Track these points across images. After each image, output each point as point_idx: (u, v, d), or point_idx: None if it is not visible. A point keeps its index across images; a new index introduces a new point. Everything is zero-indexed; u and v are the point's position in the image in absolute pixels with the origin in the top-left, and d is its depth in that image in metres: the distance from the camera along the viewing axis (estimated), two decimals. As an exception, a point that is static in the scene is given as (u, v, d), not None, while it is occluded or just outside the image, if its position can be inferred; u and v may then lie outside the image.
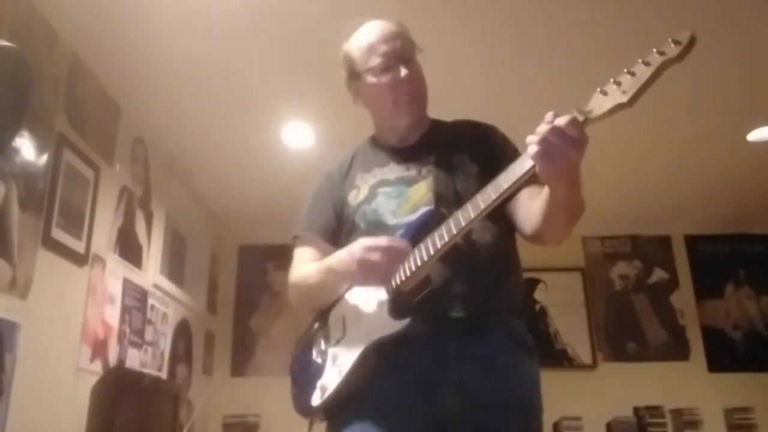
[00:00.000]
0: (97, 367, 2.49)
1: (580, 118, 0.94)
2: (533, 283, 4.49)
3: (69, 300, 2.33)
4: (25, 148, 2.06)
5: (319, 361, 1.26)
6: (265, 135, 3.18)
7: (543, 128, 0.95)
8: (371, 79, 1.34)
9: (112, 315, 2.67)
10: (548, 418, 4.18)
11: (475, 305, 1.17)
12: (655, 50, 0.89)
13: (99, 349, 2.52)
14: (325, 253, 1.31)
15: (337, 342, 1.23)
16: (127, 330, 2.81)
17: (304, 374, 1.28)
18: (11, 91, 2.01)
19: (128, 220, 2.88)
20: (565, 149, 0.94)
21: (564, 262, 4.48)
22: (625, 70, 0.91)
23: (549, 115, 0.96)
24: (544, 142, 0.94)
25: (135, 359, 2.88)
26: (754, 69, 2.70)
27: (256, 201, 4.00)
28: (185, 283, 3.94)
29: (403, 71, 1.31)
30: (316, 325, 1.33)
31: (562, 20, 2.39)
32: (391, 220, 1.25)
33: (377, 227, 1.26)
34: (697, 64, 2.62)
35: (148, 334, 3.06)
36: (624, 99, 0.90)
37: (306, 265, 1.35)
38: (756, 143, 3.33)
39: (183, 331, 3.63)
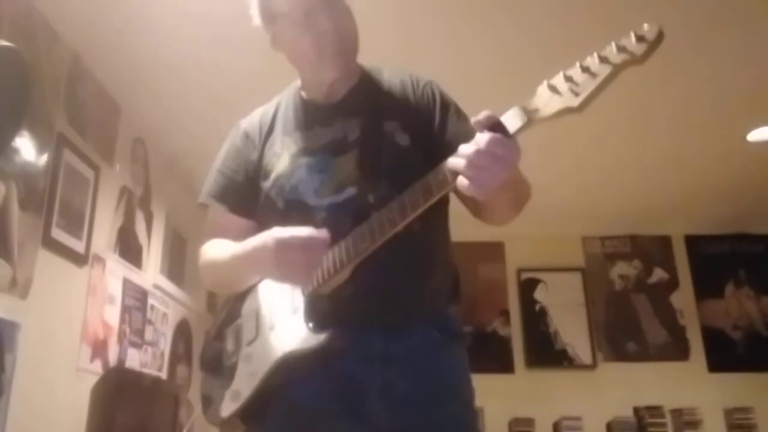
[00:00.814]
0: (97, 367, 2.49)
1: (523, 119, 0.85)
2: (533, 283, 4.49)
3: (69, 300, 2.33)
4: (25, 148, 2.06)
5: (229, 362, 1.14)
6: (265, 135, 3.18)
7: (467, 150, 0.87)
8: (291, 27, 1.16)
9: (112, 315, 2.67)
10: (548, 418, 4.19)
11: (400, 303, 1.08)
12: (614, 44, 0.77)
13: (99, 349, 2.52)
14: (236, 230, 1.18)
15: (250, 343, 1.12)
16: (127, 330, 2.81)
17: (215, 376, 1.16)
18: (11, 91, 2.01)
19: (128, 220, 2.88)
20: (494, 170, 0.86)
21: (564, 262, 4.49)
22: (579, 64, 0.79)
23: (482, 115, 0.87)
24: (470, 168, 0.86)
25: (135, 359, 2.88)
26: (753, 69, 2.70)
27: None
28: (185, 283, 3.93)
29: (327, 20, 1.13)
30: (228, 312, 1.21)
31: None
32: (312, 200, 1.12)
33: (296, 207, 1.13)
34: (697, 64, 2.62)
35: (148, 334, 3.06)
36: (574, 103, 0.79)
37: (218, 245, 1.20)
38: (756, 143, 3.33)
39: (183, 331, 3.63)
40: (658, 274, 4.54)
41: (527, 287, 4.49)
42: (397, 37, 2.46)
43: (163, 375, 3.24)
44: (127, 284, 2.82)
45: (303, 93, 1.26)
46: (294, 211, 1.13)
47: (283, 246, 1.00)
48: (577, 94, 0.79)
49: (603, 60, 0.77)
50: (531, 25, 2.42)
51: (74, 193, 2.37)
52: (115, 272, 2.71)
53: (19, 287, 1.99)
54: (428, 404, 1.06)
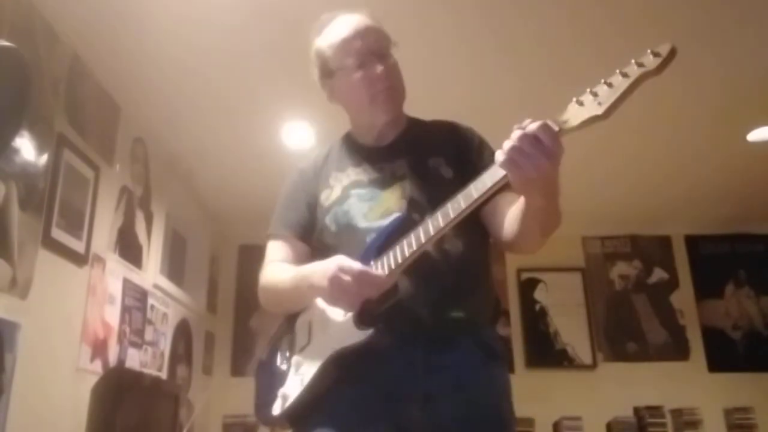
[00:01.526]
0: (97, 367, 2.49)
1: (555, 129, 0.92)
2: (533, 283, 4.49)
3: (69, 300, 2.33)
4: (25, 148, 2.06)
5: (282, 368, 1.23)
6: (266, 135, 3.18)
7: (515, 135, 0.93)
8: (346, 77, 1.29)
9: (112, 315, 2.67)
10: (548, 418, 4.18)
11: (444, 316, 1.14)
12: (633, 61, 0.88)
13: (99, 349, 2.52)
14: (298, 253, 1.29)
15: (302, 349, 1.20)
16: (127, 330, 2.81)
17: (268, 380, 1.25)
18: (11, 91, 2.01)
19: (128, 220, 2.88)
20: (535, 158, 0.91)
21: (564, 262, 4.48)
22: (603, 81, 0.90)
23: (525, 122, 0.94)
24: (513, 149, 0.92)
25: (135, 359, 2.88)
26: (753, 69, 2.70)
27: (256, 201, 3.97)
28: (185, 283, 3.94)
29: (379, 67, 1.26)
30: (283, 329, 1.30)
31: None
32: (362, 223, 1.21)
33: (347, 230, 1.23)
34: (697, 65, 2.62)
35: (148, 334, 3.06)
36: (599, 111, 0.88)
37: (279, 266, 1.30)
38: (756, 143, 3.33)
39: (183, 331, 3.63)
40: (658, 274, 4.54)
41: (527, 287, 4.49)
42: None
43: (163, 375, 3.24)
44: (127, 284, 2.82)
45: (354, 137, 1.40)
46: (345, 232, 1.23)
47: (341, 269, 1.07)
48: (600, 104, 0.89)
49: (624, 75, 0.88)
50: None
51: (74, 193, 2.37)
52: (115, 272, 2.71)
53: (19, 287, 1.99)
54: (468, 421, 1.10)
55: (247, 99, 2.88)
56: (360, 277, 1.06)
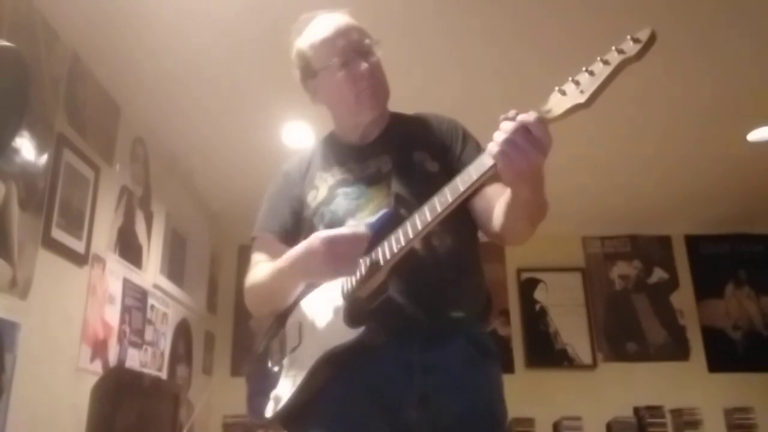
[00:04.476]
0: (97, 367, 2.49)
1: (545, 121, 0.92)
2: (533, 283, 4.49)
3: (69, 300, 2.33)
4: (25, 148, 2.06)
5: (274, 369, 1.22)
6: (265, 135, 3.18)
7: (506, 126, 0.92)
8: (330, 76, 1.28)
9: (112, 315, 2.67)
10: (548, 418, 4.18)
11: (435, 312, 1.13)
12: (614, 48, 0.87)
13: (99, 349, 2.52)
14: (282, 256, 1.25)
15: (293, 350, 1.19)
16: (127, 330, 2.81)
17: (259, 382, 1.24)
18: (11, 91, 2.00)
19: (128, 220, 2.88)
20: (528, 150, 0.91)
21: (564, 262, 4.49)
22: (584, 69, 0.90)
23: (511, 113, 0.94)
24: (506, 142, 0.92)
25: (135, 359, 2.88)
26: (753, 69, 2.70)
27: (256, 201, 3.95)
28: (185, 283, 3.94)
29: (363, 65, 1.25)
30: (274, 330, 1.29)
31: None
32: (350, 221, 1.21)
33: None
34: (697, 64, 2.62)
35: (148, 334, 3.06)
36: (582, 99, 0.88)
37: (260, 267, 1.29)
38: (756, 143, 3.33)
39: (183, 331, 3.63)
40: (658, 274, 4.54)
41: (527, 287, 4.49)
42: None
43: (163, 375, 3.24)
44: (127, 284, 2.82)
45: (338, 137, 1.39)
46: None
47: (330, 242, 1.07)
48: (582, 92, 0.88)
49: (605, 62, 0.87)
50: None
51: (74, 193, 2.37)
52: (115, 272, 2.71)
53: (19, 287, 1.99)
54: (464, 420, 1.09)
55: (247, 99, 2.88)
56: (351, 239, 1.07)
